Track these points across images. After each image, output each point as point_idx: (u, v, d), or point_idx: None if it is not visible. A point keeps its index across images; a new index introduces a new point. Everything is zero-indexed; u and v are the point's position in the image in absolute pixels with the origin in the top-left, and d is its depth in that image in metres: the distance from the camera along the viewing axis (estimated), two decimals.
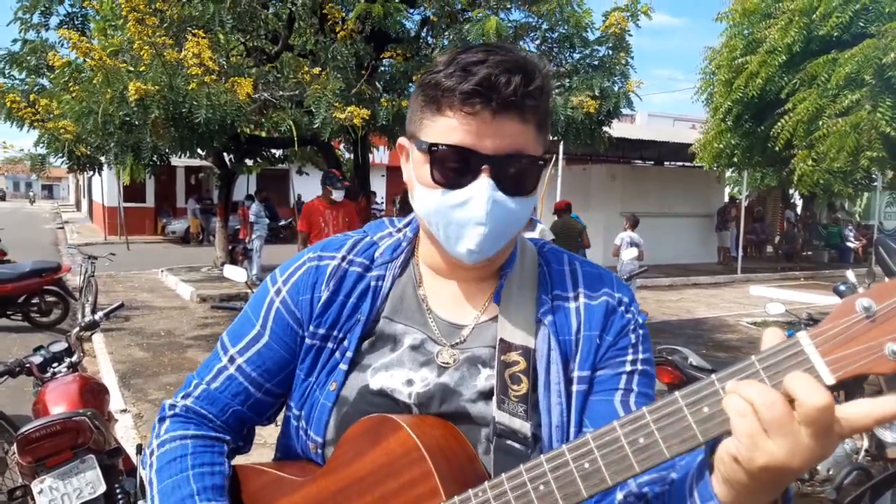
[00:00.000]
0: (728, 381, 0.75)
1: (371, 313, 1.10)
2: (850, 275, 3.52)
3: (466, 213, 0.99)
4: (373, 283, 1.12)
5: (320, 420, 1.06)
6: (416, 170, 1.05)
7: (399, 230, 1.18)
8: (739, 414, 0.72)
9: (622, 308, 1.09)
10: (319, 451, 1.06)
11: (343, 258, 1.13)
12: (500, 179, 0.98)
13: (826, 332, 0.72)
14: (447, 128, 0.98)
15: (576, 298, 1.09)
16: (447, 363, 1.06)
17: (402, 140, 1.10)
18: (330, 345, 1.10)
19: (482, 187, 0.97)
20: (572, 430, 1.03)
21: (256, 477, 1.12)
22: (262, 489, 1.10)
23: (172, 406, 1.15)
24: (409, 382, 1.05)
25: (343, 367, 1.07)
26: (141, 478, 3.34)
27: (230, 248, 15.57)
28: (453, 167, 0.98)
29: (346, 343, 1.09)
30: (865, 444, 4.11)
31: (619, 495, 0.98)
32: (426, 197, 1.02)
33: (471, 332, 1.09)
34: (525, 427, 1.00)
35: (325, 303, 1.11)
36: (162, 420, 1.15)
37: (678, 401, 0.77)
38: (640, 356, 1.08)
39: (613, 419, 0.81)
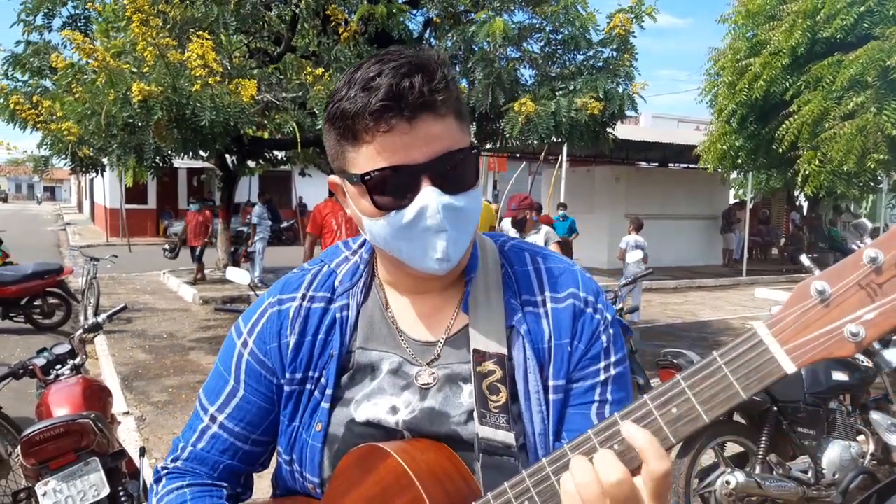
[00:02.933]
0: (697, 377, 0.76)
1: (343, 346, 1.07)
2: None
3: (423, 226, 0.96)
4: (338, 315, 1.09)
5: (313, 461, 1.05)
6: (356, 204, 1.02)
7: (354, 252, 1.15)
8: (567, 494, 0.78)
9: (590, 309, 1.06)
10: (318, 490, 1.06)
11: (303, 296, 1.10)
12: (442, 182, 0.95)
13: (783, 320, 0.73)
14: (370, 154, 0.95)
15: (543, 303, 1.07)
16: (428, 384, 1.04)
17: (332, 178, 1.07)
18: (308, 386, 1.08)
19: (429, 196, 0.95)
20: (551, 439, 1.02)
21: None
22: None
23: (165, 468, 1.15)
24: (394, 409, 1.03)
25: (325, 405, 1.05)
26: (144, 480, 3.33)
27: (233, 249, 15.56)
28: (392, 189, 0.96)
29: (323, 381, 1.07)
30: (871, 448, 4.09)
31: None
32: (377, 226, 0.99)
33: (443, 347, 1.07)
34: (510, 437, 0.99)
35: (295, 347, 1.08)
36: (157, 481, 1.14)
37: (647, 403, 0.78)
38: (612, 359, 1.06)
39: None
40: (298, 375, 1.08)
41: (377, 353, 1.07)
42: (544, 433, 1.01)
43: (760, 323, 0.75)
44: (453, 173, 0.97)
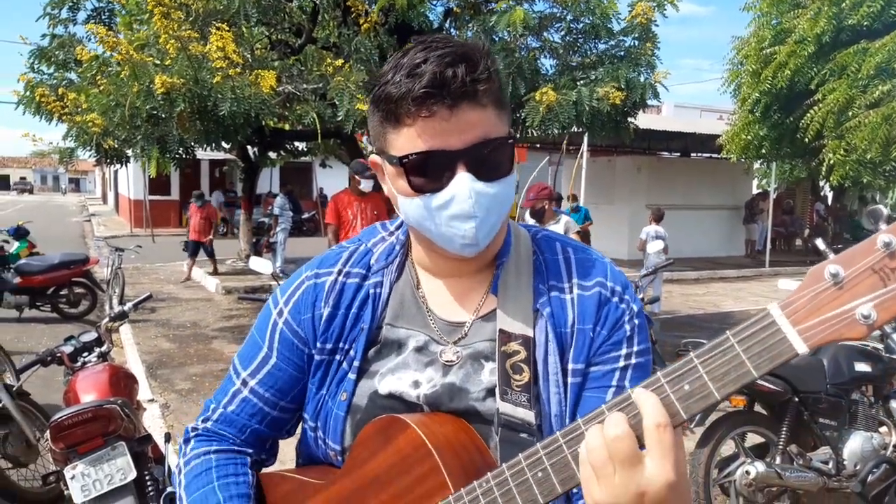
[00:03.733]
0: (706, 357, 0.78)
1: (373, 321, 1.12)
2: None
3: (454, 211, 1.00)
4: (371, 291, 1.13)
5: (336, 429, 1.09)
6: (393, 183, 1.06)
7: (391, 233, 1.20)
8: (581, 462, 0.80)
9: (616, 299, 1.09)
10: (339, 457, 1.10)
11: (339, 272, 1.15)
12: (476, 170, 0.99)
13: (796, 302, 0.74)
14: (411, 137, 0.99)
15: (570, 290, 1.09)
16: (451, 361, 1.08)
17: (373, 157, 1.12)
18: (338, 357, 1.12)
19: (463, 182, 0.98)
20: (568, 421, 1.04)
21: (281, 483, 1.16)
22: (287, 494, 1.14)
23: (195, 429, 1.20)
24: (416, 384, 1.07)
25: (352, 376, 1.10)
26: (169, 465, 3.39)
27: (254, 240, 15.69)
28: (429, 172, 1.00)
29: (352, 353, 1.11)
30: (894, 439, 4.05)
31: None
32: (411, 206, 1.04)
33: (470, 328, 1.10)
34: (529, 416, 1.02)
35: (328, 319, 1.13)
36: (186, 441, 1.19)
37: (660, 379, 0.80)
38: (635, 349, 1.08)
39: None
40: (329, 346, 1.12)
41: (405, 330, 1.11)
42: (560, 415, 1.04)
43: (774, 304, 0.76)
44: (488, 161, 1.00)
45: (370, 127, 1.08)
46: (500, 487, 0.89)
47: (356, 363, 1.10)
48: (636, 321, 1.09)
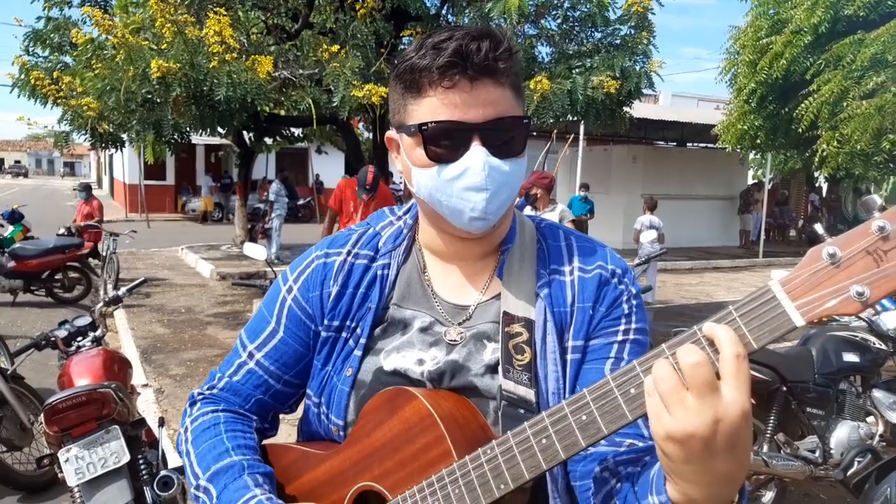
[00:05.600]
0: (707, 330, 0.80)
1: (380, 301, 1.15)
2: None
3: (466, 182, 1.03)
4: (379, 273, 1.17)
5: (340, 404, 1.12)
6: (409, 155, 1.09)
7: (399, 217, 1.24)
8: (648, 394, 0.80)
9: (615, 280, 1.13)
10: (342, 433, 1.12)
11: (349, 252, 1.19)
12: (492, 145, 1.02)
13: (795, 279, 0.79)
14: (432, 107, 1.02)
15: (571, 272, 1.13)
16: (455, 340, 1.12)
17: (389, 133, 1.14)
18: (344, 334, 1.16)
19: (477, 155, 1.02)
20: (567, 396, 1.06)
21: (284, 454, 1.19)
22: (291, 464, 1.17)
23: (200, 393, 1.23)
24: (420, 362, 1.11)
25: (357, 353, 1.13)
26: (163, 449, 3.41)
27: (249, 226, 15.67)
28: (446, 142, 1.03)
29: (359, 331, 1.14)
30: (881, 429, 4.10)
31: (597, 468, 1.03)
32: (425, 177, 1.06)
33: (474, 310, 1.14)
34: (530, 394, 1.06)
35: (336, 297, 1.16)
36: (193, 404, 1.22)
37: (665, 351, 0.82)
38: (633, 325, 1.11)
39: None
40: (336, 323, 1.16)
41: (410, 311, 1.15)
42: (558, 392, 1.07)
43: (774, 280, 0.80)
44: (503, 138, 1.04)
45: (390, 102, 1.12)
46: (505, 454, 0.92)
47: (362, 340, 1.13)
48: (633, 302, 1.13)
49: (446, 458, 0.97)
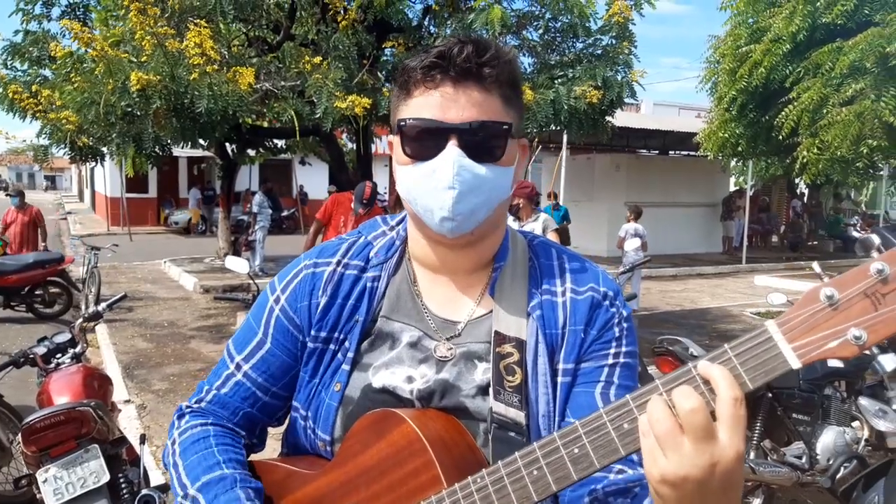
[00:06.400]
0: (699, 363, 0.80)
1: (369, 314, 1.14)
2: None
3: (436, 181, 1.03)
4: (369, 285, 1.15)
5: (327, 419, 1.10)
6: (395, 154, 1.10)
7: (392, 228, 1.23)
8: (643, 434, 0.79)
9: (607, 302, 1.12)
10: (328, 448, 1.10)
11: (338, 262, 1.17)
12: (468, 147, 1.02)
13: (792, 320, 0.79)
14: (416, 106, 1.05)
15: (563, 293, 1.12)
16: (445, 357, 1.10)
17: (390, 137, 1.16)
18: (332, 347, 1.14)
19: (449, 154, 1.02)
20: (557, 419, 1.07)
21: (270, 472, 1.16)
22: (277, 482, 1.14)
23: (188, 406, 1.21)
24: (410, 379, 1.09)
25: (346, 367, 1.11)
26: (145, 467, 3.36)
27: (233, 238, 15.57)
28: (422, 140, 1.04)
29: (347, 344, 1.13)
30: (866, 434, 4.11)
31: (587, 499, 1.02)
32: (402, 174, 1.08)
33: (465, 326, 1.13)
34: (520, 416, 1.04)
35: (324, 308, 1.14)
36: (181, 416, 1.20)
37: (659, 387, 0.82)
38: (623, 349, 1.11)
39: (593, 410, 0.87)
40: (323, 334, 1.14)
41: (399, 324, 1.13)
42: (548, 415, 1.06)
43: (771, 321, 0.80)
44: (481, 142, 1.03)
45: (391, 106, 1.14)
46: (496, 485, 0.91)
47: (350, 354, 1.11)
48: (624, 325, 1.12)
49: (435, 484, 0.96)
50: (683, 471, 0.76)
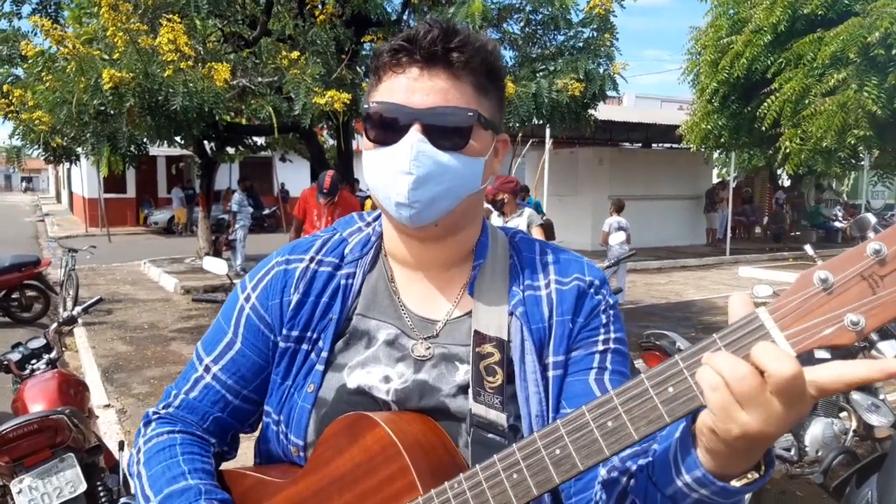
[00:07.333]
0: (692, 360, 0.75)
1: (343, 312, 1.10)
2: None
3: (394, 165, 1.00)
4: (343, 282, 1.11)
5: (300, 423, 1.06)
6: (364, 140, 1.08)
7: (368, 224, 1.19)
8: (711, 388, 0.73)
9: (592, 290, 1.10)
10: (301, 453, 1.06)
11: (311, 259, 1.13)
12: (431, 133, 0.99)
13: (785, 306, 0.74)
14: (383, 91, 1.03)
15: (547, 286, 1.10)
16: (423, 356, 1.06)
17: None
18: (304, 346, 1.10)
19: (409, 139, 0.99)
20: (551, 416, 1.03)
21: (240, 480, 1.12)
22: (246, 492, 1.10)
23: (156, 412, 1.16)
24: (387, 379, 1.05)
25: (320, 367, 1.07)
26: (124, 473, 3.29)
27: (213, 238, 15.41)
28: (385, 124, 1.02)
29: (320, 343, 1.09)
30: (854, 424, 4.10)
31: (602, 471, 0.97)
32: (367, 159, 1.06)
33: (444, 326, 1.09)
34: (501, 418, 1.01)
35: (296, 305, 1.10)
36: (147, 423, 1.15)
37: (644, 382, 0.78)
38: (612, 335, 1.09)
39: (589, 398, 0.85)
40: (295, 333, 1.09)
41: (375, 321, 1.09)
42: (541, 414, 1.02)
43: (762, 308, 0.75)
44: (444, 128, 1.00)
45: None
46: (473, 490, 0.87)
47: (324, 354, 1.07)
48: (611, 312, 1.10)
49: (411, 491, 0.91)
50: (767, 428, 0.71)
